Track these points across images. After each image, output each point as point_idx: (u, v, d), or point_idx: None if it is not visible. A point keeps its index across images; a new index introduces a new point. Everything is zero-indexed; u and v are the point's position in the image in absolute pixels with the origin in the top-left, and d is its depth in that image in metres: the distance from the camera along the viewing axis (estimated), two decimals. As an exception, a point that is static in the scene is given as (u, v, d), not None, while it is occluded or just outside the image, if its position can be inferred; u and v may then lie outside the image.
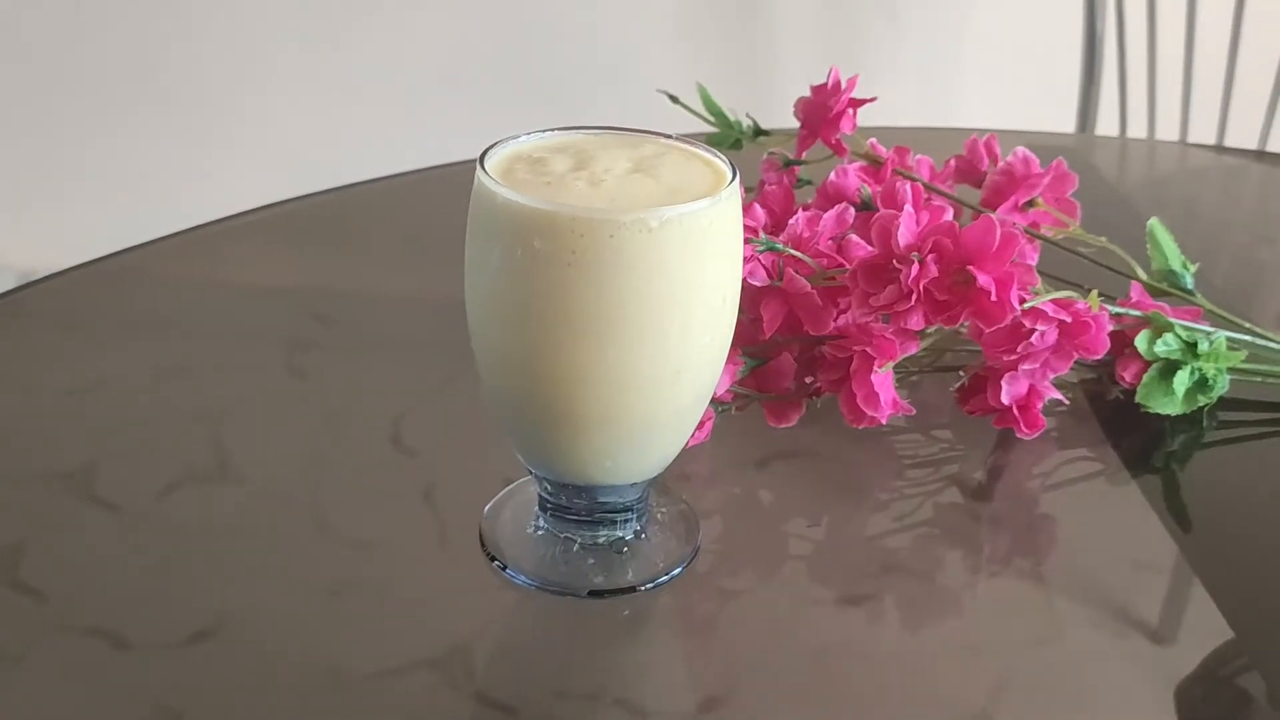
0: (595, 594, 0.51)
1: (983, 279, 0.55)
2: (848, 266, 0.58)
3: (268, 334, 0.71)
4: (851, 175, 0.66)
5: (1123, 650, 0.51)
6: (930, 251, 0.56)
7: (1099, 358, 0.60)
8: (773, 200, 0.67)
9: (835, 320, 0.59)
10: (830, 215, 0.62)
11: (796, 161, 0.72)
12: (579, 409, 0.47)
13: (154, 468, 0.58)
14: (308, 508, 0.57)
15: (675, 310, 0.46)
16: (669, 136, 0.51)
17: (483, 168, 0.47)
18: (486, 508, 0.55)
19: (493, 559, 0.52)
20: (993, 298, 0.56)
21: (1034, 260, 0.66)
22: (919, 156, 0.71)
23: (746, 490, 0.61)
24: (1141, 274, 0.66)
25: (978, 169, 0.72)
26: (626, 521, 0.53)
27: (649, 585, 0.51)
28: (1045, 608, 0.54)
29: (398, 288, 0.75)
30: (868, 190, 0.66)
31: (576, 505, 0.52)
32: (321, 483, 0.59)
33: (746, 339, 0.59)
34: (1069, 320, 0.58)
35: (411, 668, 0.48)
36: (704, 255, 0.46)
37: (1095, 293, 0.59)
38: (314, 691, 0.48)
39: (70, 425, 0.62)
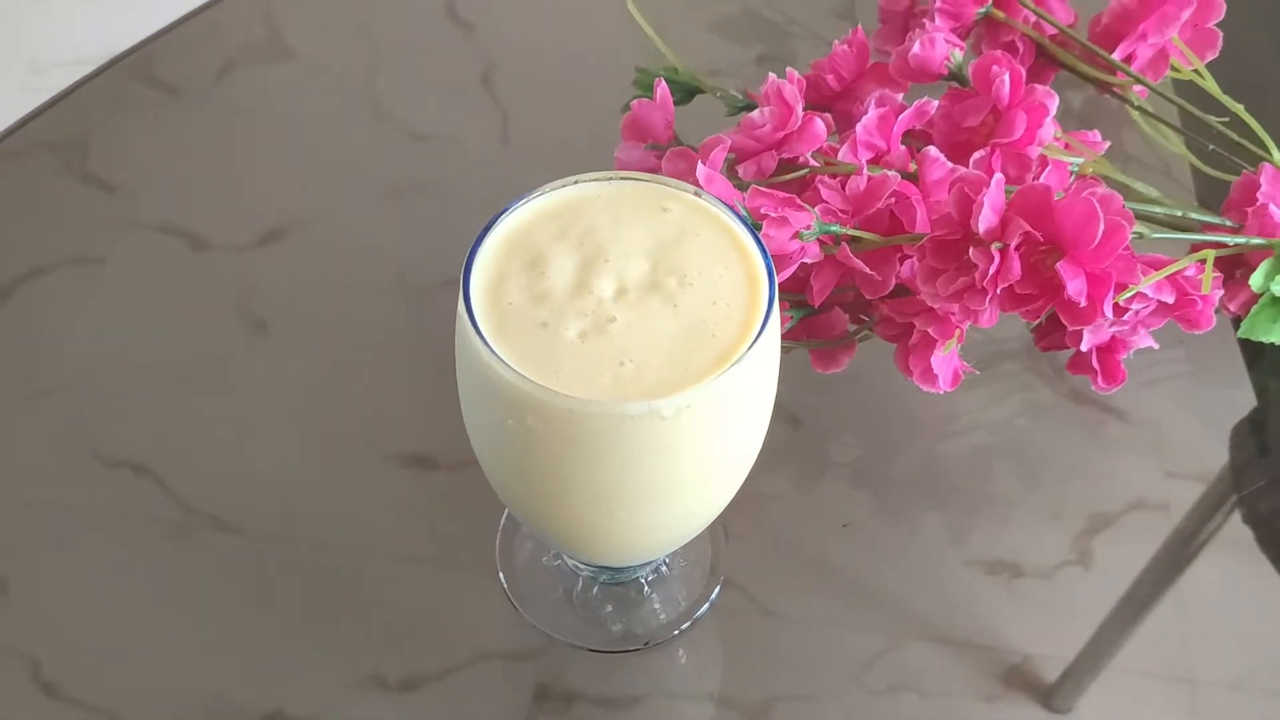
0: (597, 652, 0.48)
1: (1072, 287, 0.47)
2: (919, 230, 0.49)
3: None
4: (940, 45, 0.53)
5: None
6: (1016, 239, 0.47)
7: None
8: (841, 65, 0.55)
9: (898, 271, 0.51)
10: (907, 114, 0.52)
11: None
12: (590, 543, 0.43)
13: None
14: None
15: (692, 480, 0.40)
16: (697, 193, 0.41)
17: (466, 296, 0.38)
18: (501, 524, 0.51)
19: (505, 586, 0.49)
20: (1082, 305, 0.47)
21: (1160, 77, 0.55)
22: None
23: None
24: (1277, 154, 0.55)
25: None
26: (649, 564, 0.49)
27: (676, 632, 0.49)
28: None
29: None
30: (959, 56, 0.54)
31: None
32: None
33: (794, 290, 0.52)
34: (1171, 301, 0.50)
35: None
36: (728, 425, 0.39)
37: (1210, 263, 0.50)
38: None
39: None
